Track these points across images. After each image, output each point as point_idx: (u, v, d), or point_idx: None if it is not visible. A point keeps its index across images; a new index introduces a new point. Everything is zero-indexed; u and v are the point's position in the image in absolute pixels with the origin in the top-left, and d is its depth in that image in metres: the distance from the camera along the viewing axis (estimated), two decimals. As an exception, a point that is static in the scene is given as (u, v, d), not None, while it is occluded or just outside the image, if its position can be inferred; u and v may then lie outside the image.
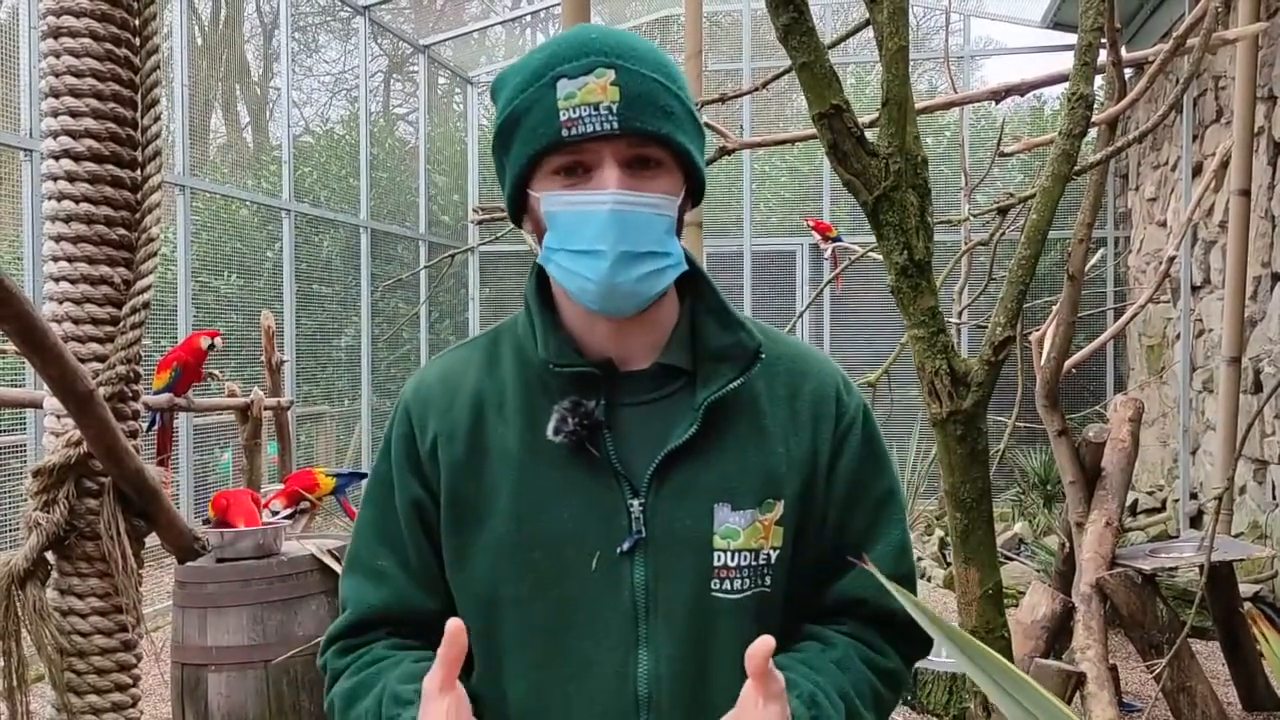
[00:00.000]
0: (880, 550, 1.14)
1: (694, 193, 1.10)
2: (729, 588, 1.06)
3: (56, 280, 1.57)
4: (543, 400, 1.08)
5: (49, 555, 1.57)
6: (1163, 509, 7.20)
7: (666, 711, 1.05)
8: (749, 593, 1.07)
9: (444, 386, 1.13)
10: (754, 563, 1.07)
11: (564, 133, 1.00)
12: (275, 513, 3.88)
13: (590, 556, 1.05)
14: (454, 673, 0.97)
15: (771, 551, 1.08)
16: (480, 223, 5.96)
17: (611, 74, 0.99)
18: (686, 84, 1.08)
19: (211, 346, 4.56)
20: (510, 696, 1.08)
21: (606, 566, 1.05)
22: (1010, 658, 2.23)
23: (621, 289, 1.03)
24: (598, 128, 0.99)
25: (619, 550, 1.05)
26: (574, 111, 0.99)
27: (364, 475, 5.14)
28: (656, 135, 1.01)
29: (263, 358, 5.32)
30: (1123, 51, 3.08)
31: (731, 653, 1.05)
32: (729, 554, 1.06)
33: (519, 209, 1.10)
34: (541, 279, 1.13)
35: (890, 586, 0.98)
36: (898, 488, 1.18)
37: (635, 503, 1.06)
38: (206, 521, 3.50)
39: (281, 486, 4.21)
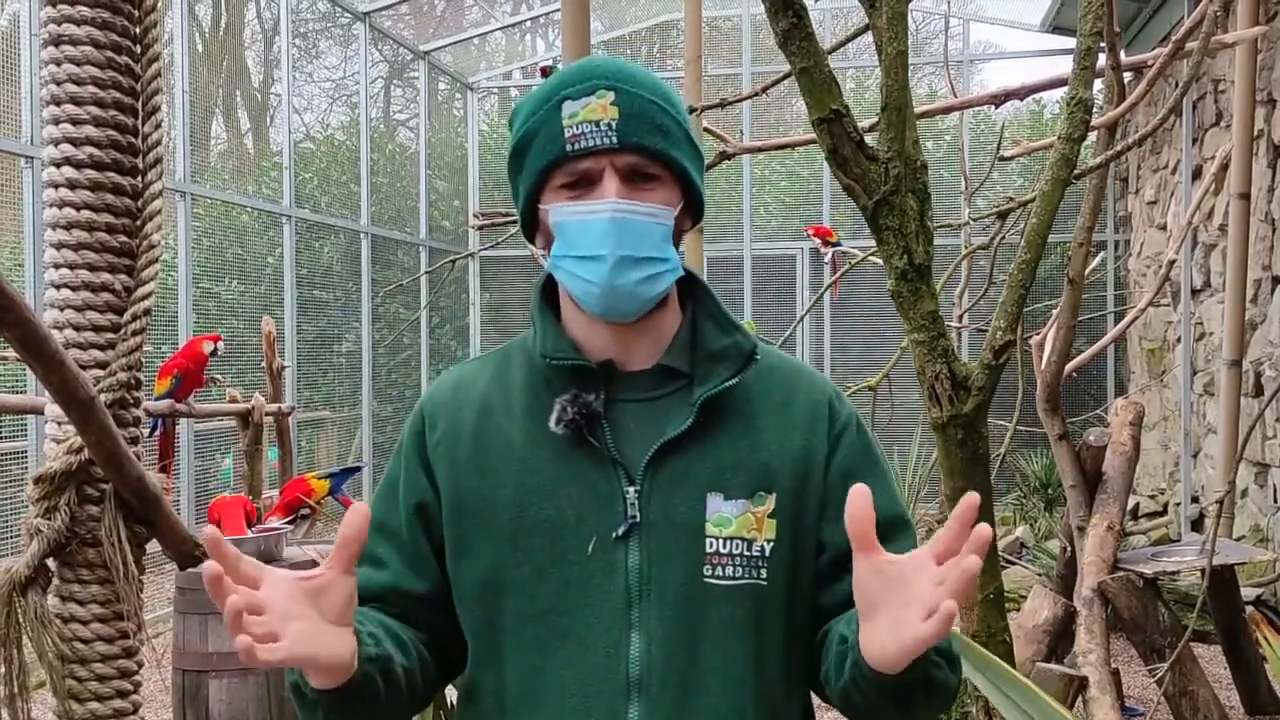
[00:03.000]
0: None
1: (692, 210, 1.18)
2: (721, 574, 1.10)
3: (58, 287, 1.58)
4: (546, 397, 1.14)
5: (50, 562, 1.57)
6: (1164, 513, 7.19)
7: (657, 694, 1.08)
8: (742, 582, 1.10)
9: (456, 391, 1.21)
10: (746, 552, 1.11)
11: (568, 147, 1.10)
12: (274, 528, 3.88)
13: (587, 542, 1.10)
14: (349, 555, 0.98)
15: (765, 544, 1.11)
16: (481, 228, 5.97)
17: (611, 95, 1.10)
18: (684, 108, 1.17)
19: (214, 352, 4.57)
20: (507, 679, 1.12)
21: (602, 551, 1.10)
22: (1012, 662, 2.22)
23: (621, 291, 1.10)
24: (598, 142, 1.09)
25: (614, 535, 1.10)
26: (577, 128, 1.10)
27: (356, 469, 5.16)
28: (653, 150, 1.11)
29: (263, 364, 5.33)
30: (1122, 55, 3.09)
31: (722, 639, 1.10)
32: (720, 541, 1.10)
33: (532, 224, 1.18)
34: (546, 289, 1.21)
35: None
36: (899, 501, 1.19)
37: (631, 490, 1.11)
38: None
39: (279, 493, 4.22)
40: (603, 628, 1.09)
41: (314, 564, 3.26)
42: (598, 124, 1.09)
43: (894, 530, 1.15)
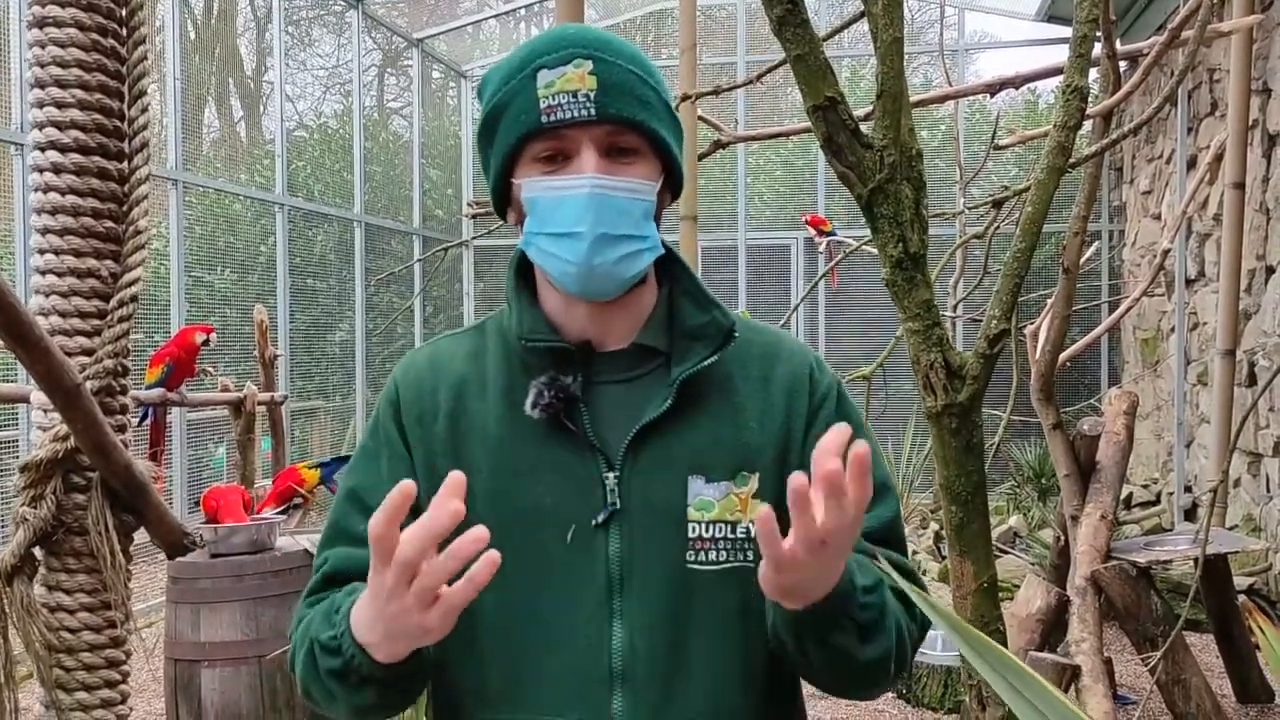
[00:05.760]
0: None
1: (672, 185, 1.14)
2: (705, 559, 1.07)
3: (43, 273, 1.56)
4: (522, 379, 1.11)
5: (37, 551, 1.56)
6: (1157, 502, 7.21)
7: (642, 684, 1.05)
8: (726, 565, 1.08)
9: (430, 369, 1.16)
10: (730, 535, 1.08)
11: (543, 119, 1.04)
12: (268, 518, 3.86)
13: (566, 530, 1.06)
14: (395, 518, 0.89)
15: (750, 525, 1.08)
16: (474, 216, 5.95)
17: (589, 64, 1.04)
18: (663, 79, 1.12)
19: (206, 342, 4.55)
20: (487, 671, 1.09)
21: (581, 539, 1.07)
22: (1005, 651, 2.22)
23: (599, 270, 1.06)
24: (576, 114, 1.04)
25: (594, 523, 1.06)
26: (553, 99, 1.04)
27: (347, 459, 5.13)
28: (632, 122, 1.06)
29: (256, 353, 5.30)
30: (1117, 44, 3.07)
31: (708, 625, 1.07)
32: (703, 525, 1.08)
33: (503, 200, 1.14)
34: (521, 266, 1.17)
35: (890, 572, 0.97)
36: (879, 465, 1.15)
37: (610, 476, 1.07)
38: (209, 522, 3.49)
39: (272, 483, 4.21)
40: (584, 618, 1.06)
41: (306, 554, 3.26)
42: (575, 94, 1.03)
43: (874, 496, 1.13)
